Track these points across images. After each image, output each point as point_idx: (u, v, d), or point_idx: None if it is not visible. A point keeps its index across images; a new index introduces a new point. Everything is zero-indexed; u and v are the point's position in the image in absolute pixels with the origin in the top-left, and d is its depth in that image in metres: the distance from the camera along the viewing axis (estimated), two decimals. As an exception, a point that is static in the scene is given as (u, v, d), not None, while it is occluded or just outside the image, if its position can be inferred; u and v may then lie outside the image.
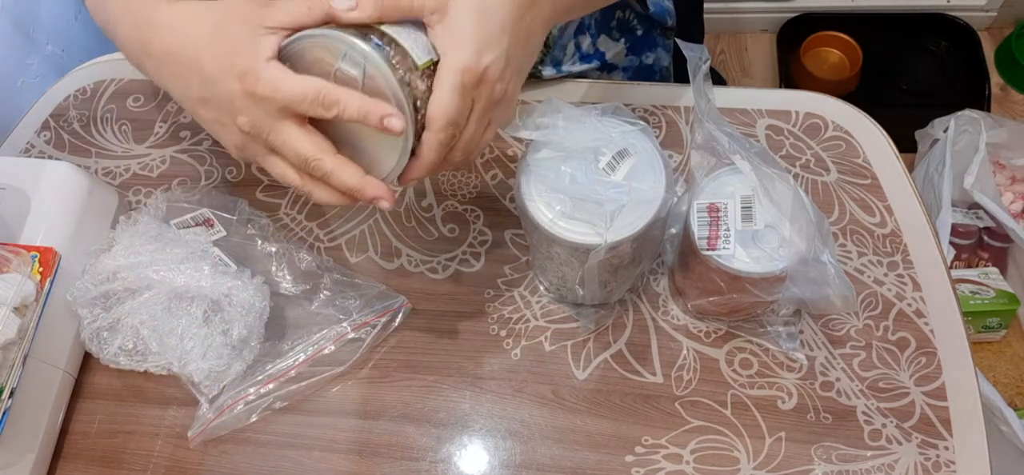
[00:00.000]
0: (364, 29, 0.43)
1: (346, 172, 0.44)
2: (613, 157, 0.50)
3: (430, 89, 0.43)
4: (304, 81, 0.42)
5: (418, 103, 0.43)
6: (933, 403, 0.56)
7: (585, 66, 0.74)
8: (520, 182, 0.51)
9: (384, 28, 0.43)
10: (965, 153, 1.25)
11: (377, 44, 0.42)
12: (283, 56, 0.44)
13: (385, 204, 0.45)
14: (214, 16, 0.46)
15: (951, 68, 1.60)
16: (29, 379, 0.56)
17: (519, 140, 0.70)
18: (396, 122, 0.41)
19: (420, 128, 0.44)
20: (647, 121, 0.70)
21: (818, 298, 0.49)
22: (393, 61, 0.42)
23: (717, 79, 1.04)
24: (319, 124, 0.44)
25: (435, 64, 0.44)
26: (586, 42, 0.73)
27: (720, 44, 1.75)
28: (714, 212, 0.52)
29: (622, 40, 0.76)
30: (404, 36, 0.43)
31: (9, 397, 0.53)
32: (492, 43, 0.44)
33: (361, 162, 0.45)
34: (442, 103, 0.43)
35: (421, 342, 0.62)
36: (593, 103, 0.52)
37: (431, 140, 0.44)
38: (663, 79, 0.83)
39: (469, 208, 0.67)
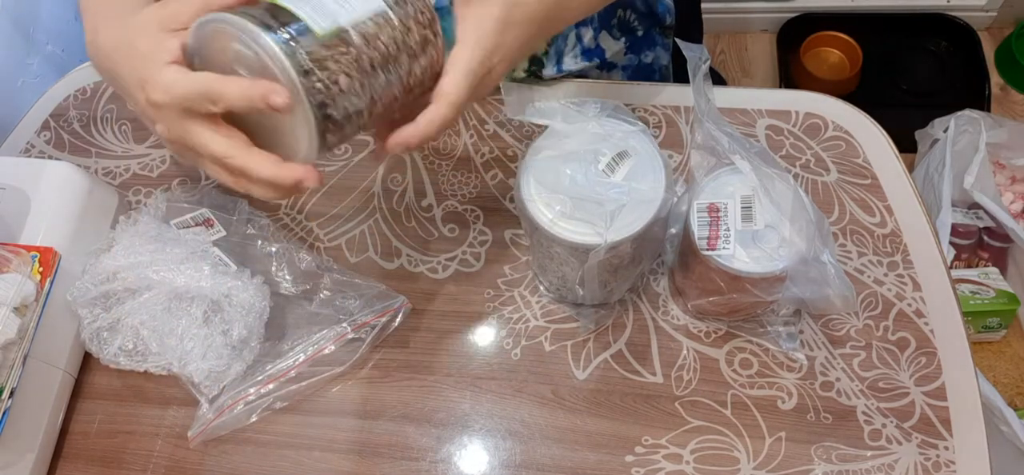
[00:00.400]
0: (264, 9, 0.40)
1: (259, 163, 0.42)
2: (613, 158, 0.50)
3: (343, 56, 0.41)
4: (190, 80, 0.41)
5: (320, 72, 0.40)
6: (933, 403, 0.56)
7: (585, 63, 0.74)
8: (520, 182, 0.51)
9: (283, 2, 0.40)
10: (965, 153, 1.25)
11: (264, 21, 0.39)
12: (189, 53, 0.42)
13: (310, 184, 0.43)
14: (127, 31, 0.46)
15: (951, 68, 1.60)
16: (29, 379, 0.56)
17: (524, 124, 0.70)
18: (278, 98, 0.39)
19: (326, 98, 0.41)
20: (647, 121, 0.70)
21: (818, 298, 0.49)
22: (281, 33, 0.39)
23: (717, 79, 1.05)
24: (236, 118, 0.43)
25: (343, 31, 0.41)
26: (588, 36, 0.73)
27: (720, 44, 1.75)
28: (714, 212, 0.52)
29: (622, 39, 0.76)
30: (305, 4, 0.41)
31: (9, 397, 0.53)
32: (504, 52, 0.47)
33: (282, 149, 0.43)
34: (455, 84, 0.45)
35: (421, 342, 0.62)
36: (593, 100, 0.52)
37: (435, 114, 0.45)
38: (662, 78, 0.83)
39: (469, 208, 0.67)
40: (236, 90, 0.40)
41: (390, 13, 0.43)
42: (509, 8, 0.47)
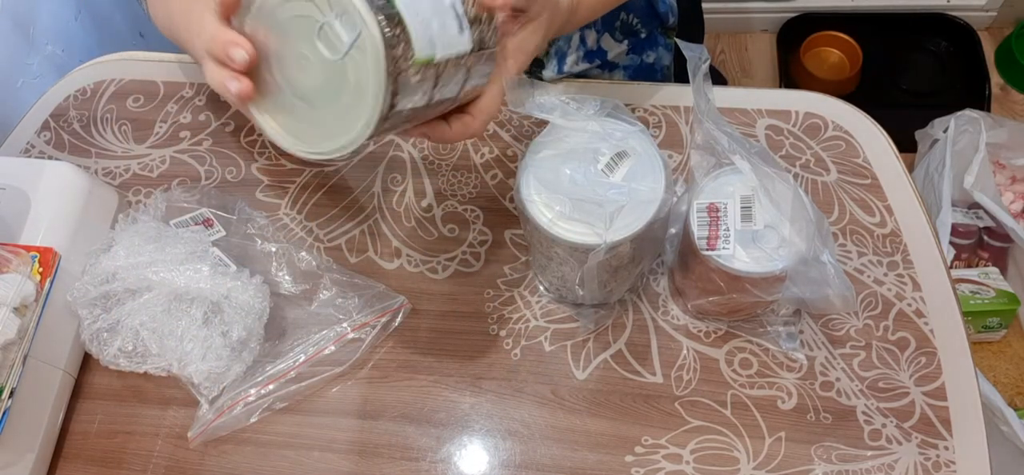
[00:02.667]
0: None
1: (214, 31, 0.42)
2: (612, 158, 0.50)
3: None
4: (206, 27, 0.41)
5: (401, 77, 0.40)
6: (933, 403, 0.56)
7: (586, 65, 0.74)
8: (520, 182, 0.51)
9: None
10: (965, 153, 1.25)
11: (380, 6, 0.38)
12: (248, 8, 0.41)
13: (239, 52, 0.40)
14: None
15: (951, 68, 1.60)
16: (29, 379, 0.56)
17: (524, 125, 0.70)
18: (239, 53, 0.40)
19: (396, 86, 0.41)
20: (647, 121, 0.70)
21: (818, 298, 0.49)
22: (389, 38, 0.39)
23: (717, 79, 1.05)
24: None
25: (432, 62, 0.41)
26: (591, 37, 0.73)
27: (720, 44, 1.75)
28: (714, 212, 0.52)
29: (625, 41, 0.76)
30: (415, 18, 0.40)
31: (9, 397, 0.53)
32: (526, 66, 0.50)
33: (338, 119, 0.42)
34: (495, 103, 0.47)
35: (421, 342, 0.62)
36: (593, 98, 0.52)
37: (472, 126, 0.48)
38: (664, 78, 0.83)
39: (469, 208, 0.67)
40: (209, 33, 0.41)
41: (471, 56, 0.44)
42: (547, 31, 0.51)
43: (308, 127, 0.43)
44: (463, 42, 0.43)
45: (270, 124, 0.44)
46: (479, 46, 0.44)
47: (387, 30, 0.39)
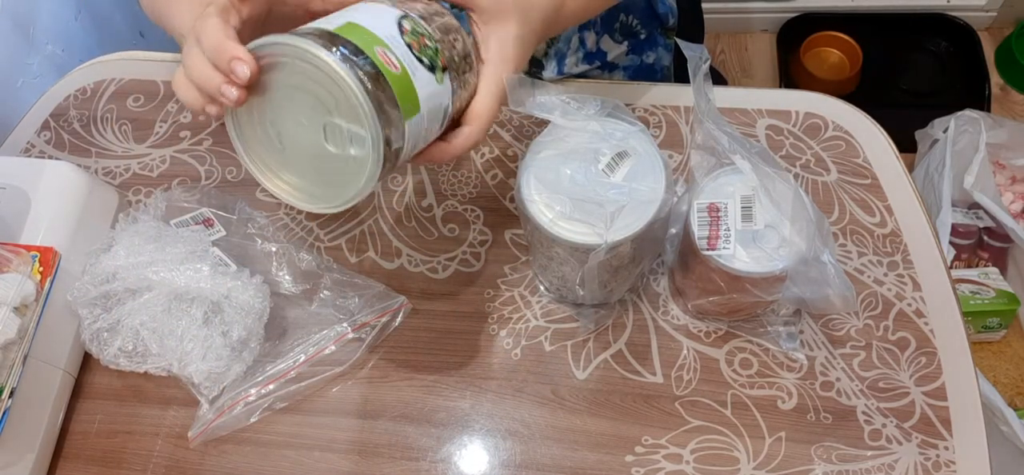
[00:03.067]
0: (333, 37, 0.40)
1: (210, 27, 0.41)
2: (613, 158, 0.50)
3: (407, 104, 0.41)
4: (212, 34, 0.41)
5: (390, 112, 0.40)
6: (933, 403, 0.56)
7: (586, 66, 0.74)
8: (520, 182, 0.51)
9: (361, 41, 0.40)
10: (965, 153, 1.25)
11: (343, 53, 0.39)
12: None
13: (243, 68, 0.39)
14: None
15: (951, 68, 1.60)
16: (29, 379, 0.56)
17: (524, 124, 0.70)
18: (243, 68, 0.39)
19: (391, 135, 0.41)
20: (647, 121, 0.70)
21: (818, 298, 0.49)
22: (361, 77, 0.39)
23: (717, 79, 1.05)
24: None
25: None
26: (590, 39, 0.73)
27: (720, 44, 1.76)
28: (714, 212, 0.52)
29: (624, 42, 0.76)
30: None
31: (9, 397, 0.53)
32: (522, 64, 0.49)
33: (339, 179, 0.42)
34: (487, 105, 0.47)
35: (421, 342, 0.62)
36: (593, 98, 0.52)
37: (471, 133, 0.47)
38: (664, 78, 0.83)
39: (469, 208, 0.67)
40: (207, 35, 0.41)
41: (450, 102, 0.45)
42: (522, 24, 0.49)
43: (280, 167, 0.43)
44: (438, 133, 0.46)
45: (239, 143, 0.43)
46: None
47: (392, 146, 0.40)
